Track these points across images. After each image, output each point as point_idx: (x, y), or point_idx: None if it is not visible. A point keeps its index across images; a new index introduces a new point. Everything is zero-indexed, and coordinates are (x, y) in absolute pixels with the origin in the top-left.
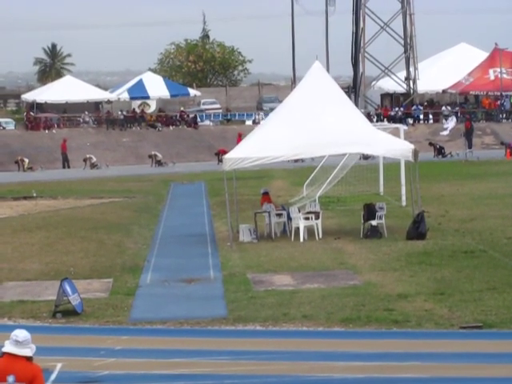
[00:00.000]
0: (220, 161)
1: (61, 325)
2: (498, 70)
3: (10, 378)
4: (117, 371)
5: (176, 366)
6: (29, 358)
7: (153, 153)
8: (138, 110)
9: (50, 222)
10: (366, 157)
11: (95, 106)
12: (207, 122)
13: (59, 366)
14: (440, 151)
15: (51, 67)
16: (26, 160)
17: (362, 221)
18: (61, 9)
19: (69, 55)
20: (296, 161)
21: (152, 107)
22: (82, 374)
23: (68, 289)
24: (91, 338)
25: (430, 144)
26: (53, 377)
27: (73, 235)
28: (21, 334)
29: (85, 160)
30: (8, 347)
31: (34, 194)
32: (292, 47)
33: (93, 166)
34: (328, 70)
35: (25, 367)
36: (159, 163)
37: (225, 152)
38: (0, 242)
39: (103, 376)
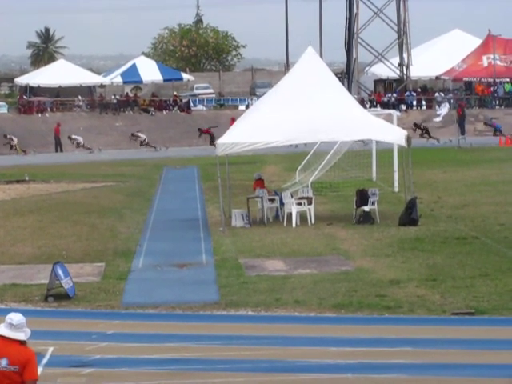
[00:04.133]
0: (212, 141)
1: (53, 308)
2: (492, 56)
3: (3, 362)
4: (109, 355)
5: (168, 350)
6: (22, 342)
7: (136, 133)
8: (131, 95)
9: (42, 205)
10: (364, 141)
11: (88, 90)
12: (200, 107)
13: (51, 349)
14: (426, 131)
15: (44, 51)
16: (15, 139)
17: (355, 206)
18: None
19: (62, 38)
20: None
21: (145, 91)
22: (74, 357)
23: (60, 272)
24: (83, 322)
25: (416, 125)
26: (44, 360)
27: (65, 219)
28: (15, 317)
29: (70, 138)
30: (2, 330)
31: (27, 178)
32: (286, 32)
33: (78, 145)
34: (321, 55)
35: (18, 351)
36: (145, 144)
37: (208, 131)
38: None
39: (95, 360)
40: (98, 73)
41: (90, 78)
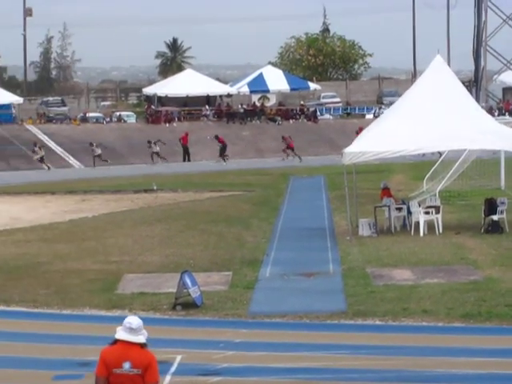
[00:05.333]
0: (222, 153)
1: (181, 317)
2: None
3: (126, 365)
4: (236, 364)
5: (295, 359)
6: (143, 345)
7: (94, 144)
8: (258, 104)
9: (170, 214)
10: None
11: (215, 99)
12: (327, 116)
13: (179, 358)
14: None
15: (172, 61)
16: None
17: (483, 215)
18: (182, 3)
19: (189, 48)
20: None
21: (272, 101)
22: (202, 366)
23: (188, 281)
24: (210, 331)
25: None
26: (172, 369)
27: (192, 228)
28: (134, 321)
29: (91, 145)
30: (122, 334)
31: (155, 187)
32: (413, 41)
33: (95, 157)
34: (449, 63)
35: (140, 354)
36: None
37: (222, 141)
38: (121, 235)
39: (222, 369)
40: (225, 82)
41: (217, 88)
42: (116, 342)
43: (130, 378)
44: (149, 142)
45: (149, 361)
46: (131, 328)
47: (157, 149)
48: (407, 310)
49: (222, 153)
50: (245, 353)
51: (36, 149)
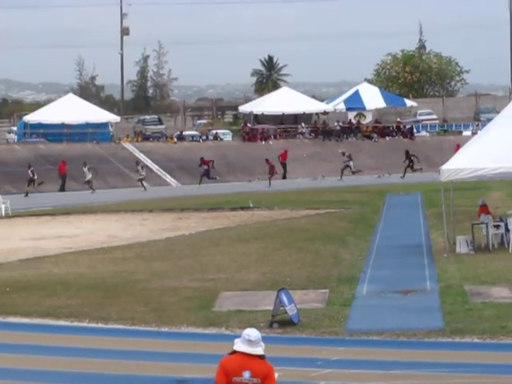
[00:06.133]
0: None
1: (278, 335)
2: None
3: (246, 374)
4: (333, 382)
5: (392, 377)
6: (261, 357)
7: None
8: (354, 121)
9: (266, 232)
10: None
11: (311, 117)
12: (423, 133)
13: (276, 375)
14: None
15: (268, 79)
16: (143, 173)
17: None
18: (277, 21)
19: (285, 66)
20: None
21: (368, 118)
22: (300, 383)
23: (285, 299)
24: (308, 349)
25: None
26: None
27: (289, 246)
28: (253, 333)
29: (84, 165)
30: (241, 346)
31: (251, 205)
32: (510, 56)
33: (85, 182)
34: None
35: (260, 364)
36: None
37: (207, 163)
38: (218, 252)
39: None
40: (321, 100)
41: (313, 105)
42: (234, 352)
43: None
44: (137, 163)
45: (268, 371)
46: (250, 340)
47: (143, 173)
48: (505, 328)
49: (205, 175)
50: (342, 370)
51: (139, 168)
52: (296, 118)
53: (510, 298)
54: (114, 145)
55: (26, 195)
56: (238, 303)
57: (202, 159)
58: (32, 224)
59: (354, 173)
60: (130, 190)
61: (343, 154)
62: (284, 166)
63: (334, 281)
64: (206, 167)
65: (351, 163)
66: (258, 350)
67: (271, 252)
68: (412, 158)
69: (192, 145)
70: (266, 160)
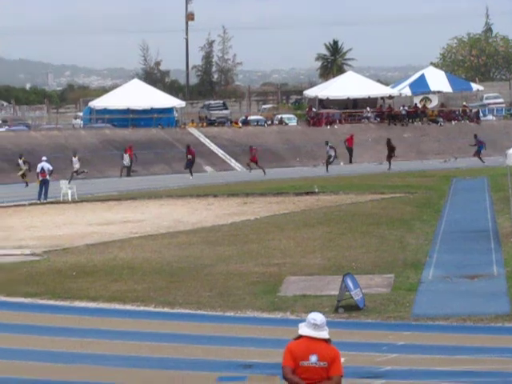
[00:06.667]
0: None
1: (343, 319)
2: None
3: (313, 358)
4: (399, 367)
5: (459, 362)
6: (327, 340)
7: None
8: (419, 105)
9: (331, 217)
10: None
11: (377, 101)
12: (490, 117)
13: (342, 360)
14: None
15: (333, 63)
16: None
17: None
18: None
19: (350, 50)
20: None
21: (434, 102)
22: (365, 368)
23: (350, 284)
24: (373, 333)
25: None
26: None
27: (354, 230)
28: (318, 317)
29: (74, 156)
30: (306, 331)
31: (316, 190)
32: None
33: (76, 173)
34: None
35: (326, 348)
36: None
37: (191, 152)
38: (283, 238)
39: (386, 371)
40: (386, 84)
41: (379, 90)
42: (300, 337)
43: (317, 371)
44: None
45: (334, 354)
46: (315, 324)
47: (127, 161)
48: None
49: (189, 166)
50: (408, 355)
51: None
52: (358, 103)
53: None
54: (179, 130)
55: (26, 185)
56: (303, 288)
57: (188, 147)
58: (98, 209)
59: (326, 163)
60: (195, 175)
61: (326, 143)
62: (350, 150)
63: (400, 265)
64: (189, 157)
65: (333, 153)
66: (324, 334)
67: (336, 237)
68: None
69: (257, 129)
70: (250, 147)
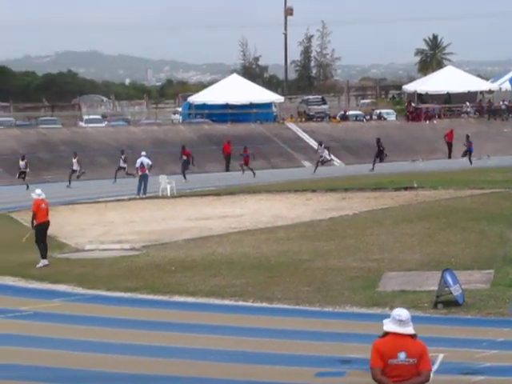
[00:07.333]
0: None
1: (442, 315)
2: None
3: (402, 355)
4: (499, 363)
5: None
6: (413, 336)
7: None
8: None
9: (430, 212)
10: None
11: (476, 96)
12: None
13: (441, 356)
14: None
15: (432, 58)
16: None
17: None
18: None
19: (449, 45)
20: None
21: None
22: (464, 364)
23: (449, 279)
24: (472, 329)
25: None
26: (435, 367)
27: (453, 226)
28: (403, 313)
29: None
30: (392, 327)
31: (415, 185)
32: None
33: (75, 174)
34: None
35: (413, 344)
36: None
37: (187, 153)
38: (381, 233)
39: (485, 368)
40: (486, 79)
41: (478, 84)
42: (386, 334)
43: (406, 368)
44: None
45: (422, 350)
46: (401, 320)
47: (124, 165)
48: None
49: (185, 168)
50: (508, 352)
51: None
52: (455, 97)
53: None
54: (277, 125)
55: (27, 188)
56: (401, 283)
57: (183, 148)
58: (197, 204)
59: (322, 163)
60: (293, 170)
61: (320, 144)
62: (450, 145)
63: (500, 261)
64: (185, 158)
65: (325, 153)
66: (410, 330)
67: (435, 232)
68: None
69: (356, 124)
70: (244, 148)
